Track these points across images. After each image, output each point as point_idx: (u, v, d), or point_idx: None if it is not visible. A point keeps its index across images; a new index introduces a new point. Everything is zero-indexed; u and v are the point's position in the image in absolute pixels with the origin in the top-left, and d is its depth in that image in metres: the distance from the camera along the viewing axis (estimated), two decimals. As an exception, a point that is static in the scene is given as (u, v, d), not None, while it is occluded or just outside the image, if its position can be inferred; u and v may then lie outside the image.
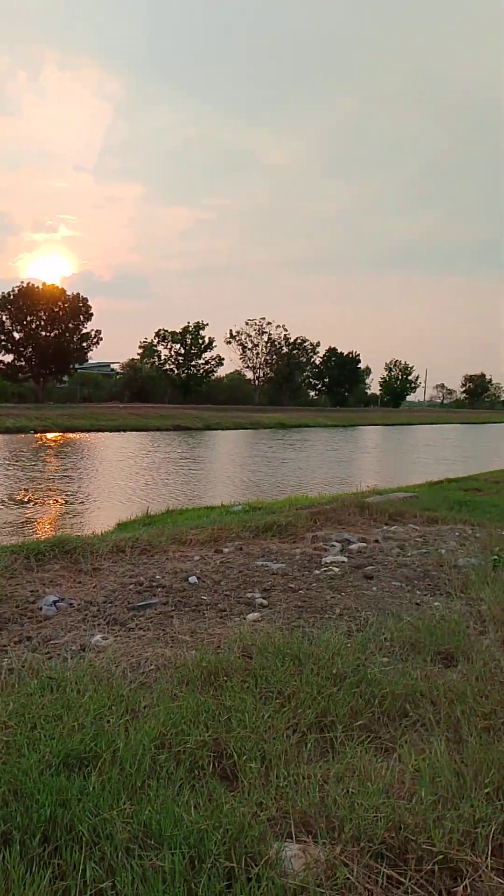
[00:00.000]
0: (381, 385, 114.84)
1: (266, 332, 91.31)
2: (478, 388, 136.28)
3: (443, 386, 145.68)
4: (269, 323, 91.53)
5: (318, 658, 3.73)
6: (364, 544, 7.22)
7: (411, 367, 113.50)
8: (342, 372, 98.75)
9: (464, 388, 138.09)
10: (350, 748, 2.86)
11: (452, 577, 5.85)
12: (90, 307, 61.59)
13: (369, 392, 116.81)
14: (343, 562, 6.33)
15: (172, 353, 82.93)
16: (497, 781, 2.55)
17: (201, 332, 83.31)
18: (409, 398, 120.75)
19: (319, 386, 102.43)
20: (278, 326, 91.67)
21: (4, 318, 58.09)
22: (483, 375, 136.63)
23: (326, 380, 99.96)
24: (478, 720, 3.09)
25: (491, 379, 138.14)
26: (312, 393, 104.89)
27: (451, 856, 2.17)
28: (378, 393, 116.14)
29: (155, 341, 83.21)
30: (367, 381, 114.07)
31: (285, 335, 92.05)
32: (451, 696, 3.34)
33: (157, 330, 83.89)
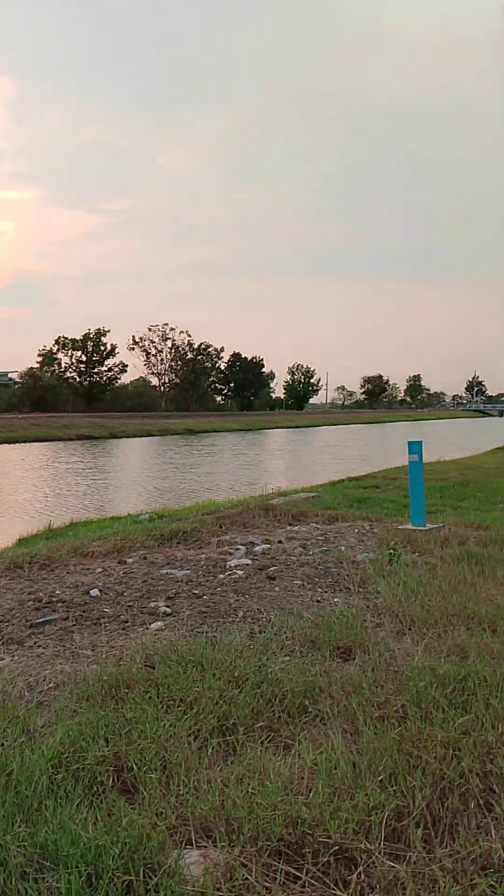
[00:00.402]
0: (285, 388, 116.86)
1: (170, 338, 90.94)
2: (376, 388, 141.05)
3: (343, 388, 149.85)
4: (172, 329, 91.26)
5: (220, 662, 3.75)
6: (268, 546, 7.32)
7: (313, 371, 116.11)
8: (247, 376, 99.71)
9: (363, 390, 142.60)
10: (251, 749, 2.89)
11: (351, 572, 6.02)
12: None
13: (274, 395, 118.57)
14: (247, 564, 6.39)
15: (73, 360, 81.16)
16: (390, 768, 2.65)
17: (103, 338, 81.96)
18: (312, 400, 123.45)
19: (225, 391, 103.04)
20: (182, 332, 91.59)
21: None
22: (380, 377, 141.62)
23: (232, 384, 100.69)
24: (373, 710, 3.19)
25: (388, 380, 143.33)
26: (219, 398, 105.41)
27: (346, 846, 2.23)
28: (283, 396, 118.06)
29: (55, 349, 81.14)
30: (272, 384, 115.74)
31: (189, 341, 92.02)
32: (348, 688, 3.44)
33: (56, 337, 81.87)
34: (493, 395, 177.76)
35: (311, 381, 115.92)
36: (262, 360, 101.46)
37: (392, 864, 2.16)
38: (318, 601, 5.24)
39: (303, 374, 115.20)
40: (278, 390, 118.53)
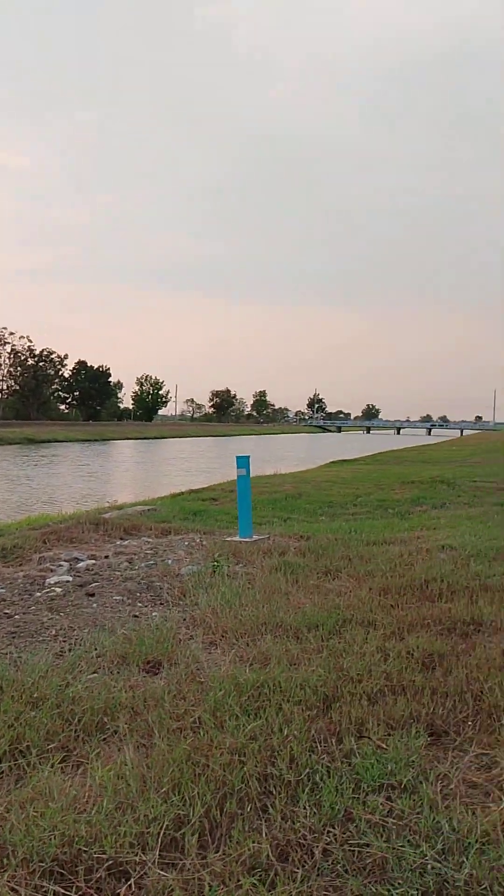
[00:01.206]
0: (133, 399, 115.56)
1: (8, 343, 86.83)
2: (224, 402, 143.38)
3: (192, 400, 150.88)
4: (11, 333, 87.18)
5: (21, 684, 3.64)
6: (93, 561, 7.20)
7: (162, 382, 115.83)
8: (93, 386, 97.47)
9: (211, 403, 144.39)
10: (41, 771, 2.83)
11: (174, 586, 6.08)
12: None
13: (122, 406, 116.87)
14: (68, 581, 6.25)
15: None
16: (176, 778, 2.71)
17: None
18: (161, 412, 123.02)
19: (70, 399, 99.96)
20: (22, 337, 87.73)
21: None
22: (228, 391, 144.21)
23: (77, 393, 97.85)
24: (171, 722, 3.25)
25: (235, 394, 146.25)
26: (63, 407, 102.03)
27: (120, 859, 2.26)
28: (131, 407, 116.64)
29: None
30: (120, 395, 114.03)
31: (30, 346, 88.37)
32: (150, 702, 3.47)
33: None
34: (333, 411, 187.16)
35: (160, 392, 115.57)
36: (108, 369, 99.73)
37: (164, 873, 2.22)
38: (136, 616, 5.23)
39: (151, 385, 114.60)
40: (126, 401, 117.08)
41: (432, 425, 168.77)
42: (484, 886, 2.10)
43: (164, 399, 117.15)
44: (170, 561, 7.21)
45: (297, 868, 2.25)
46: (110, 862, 2.24)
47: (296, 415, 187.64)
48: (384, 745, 2.94)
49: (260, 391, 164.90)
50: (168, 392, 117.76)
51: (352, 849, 2.31)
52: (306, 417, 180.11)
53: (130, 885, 2.17)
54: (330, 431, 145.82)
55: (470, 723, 3.20)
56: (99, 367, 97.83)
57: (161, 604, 5.62)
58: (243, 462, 8.69)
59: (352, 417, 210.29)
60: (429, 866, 2.18)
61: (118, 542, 8.56)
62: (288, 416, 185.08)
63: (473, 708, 3.33)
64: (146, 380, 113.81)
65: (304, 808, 2.52)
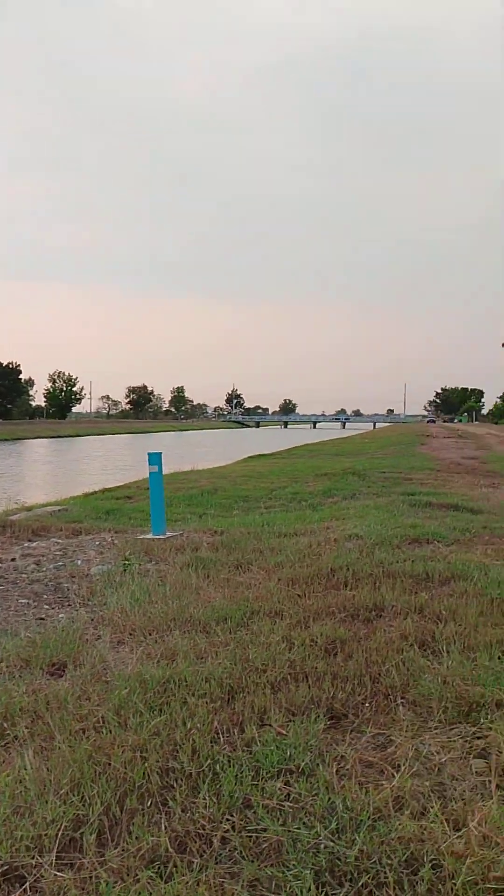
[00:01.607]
0: (46, 397, 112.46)
1: None
2: (141, 398, 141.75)
3: (108, 397, 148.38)
4: None
5: None
6: (-1, 564, 6.98)
7: (76, 379, 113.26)
8: (2, 383, 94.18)
9: (128, 399, 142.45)
10: None
11: (83, 586, 5.99)
12: None
13: (34, 404, 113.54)
14: (-29, 585, 6.03)
15: None
16: (76, 778, 2.68)
17: None
18: (75, 410, 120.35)
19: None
20: None
21: None
22: (145, 387, 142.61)
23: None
24: (74, 723, 3.21)
25: (152, 390, 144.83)
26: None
27: (15, 864, 2.22)
28: (44, 405, 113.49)
29: None
30: (32, 392, 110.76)
31: None
32: (53, 705, 3.41)
33: None
34: (251, 407, 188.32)
35: (74, 389, 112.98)
36: (19, 366, 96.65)
37: (60, 874, 2.20)
38: (42, 618, 5.12)
39: (65, 382, 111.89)
40: (39, 399, 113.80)
41: (347, 419, 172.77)
42: (373, 861, 2.19)
43: (78, 396, 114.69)
44: (79, 561, 7.09)
45: (196, 858, 2.28)
46: (5, 867, 2.20)
47: (214, 410, 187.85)
48: (284, 732, 3.01)
49: (178, 387, 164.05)
50: (82, 389, 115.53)
51: (249, 835, 2.36)
52: (225, 413, 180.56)
53: (26, 889, 2.14)
54: (248, 427, 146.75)
55: (368, 704, 3.32)
56: (8, 363, 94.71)
57: (69, 605, 5.52)
58: (155, 459, 8.64)
59: (270, 412, 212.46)
60: (322, 846, 2.26)
61: (26, 545, 8.33)
62: (207, 412, 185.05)
63: (371, 690, 3.46)
64: (59, 376, 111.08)
65: (204, 799, 2.55)
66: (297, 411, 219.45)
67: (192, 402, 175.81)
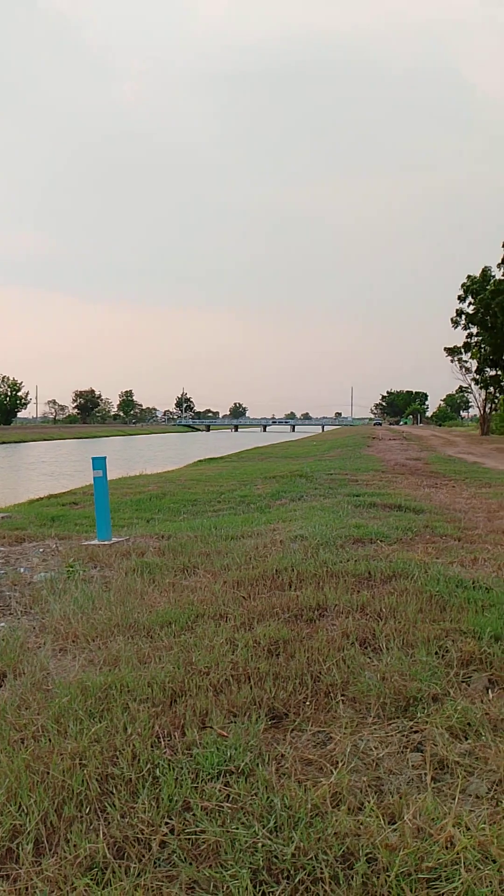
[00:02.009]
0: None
1: None
2: (88, 403, 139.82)
3: (55, 402, 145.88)
4: None
5: None
6: None
7: (20, 384, 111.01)
8: None
9: (75, 404, 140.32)
10: None
11: (25, 594, 5.88)
12: None
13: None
14: None
15: None
16: (13, 788, 2.63)
17: None
18: (20, 415, 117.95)
19: None
20: None
21: None
22: (93, 391, 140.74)
23: None
24: (13, 734, 3.15)
25: (100, 394, 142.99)
26: None
27: None
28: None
29: None
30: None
31: None
32: (-10, 716, 3.34)
33: None
34: (201, 410, 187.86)
35: (19, 394, 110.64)
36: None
37: (-6, 889, 2.16)
38: (-18, 628, 5.01)
39: (9, 386, 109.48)
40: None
41: (296, 422, 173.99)
42: (310, 857, 2.22)
43: (23, 401, 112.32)
44: (22, 569, 6.95)
45: (134, 863, 2.27)
46: None
47: (164, 414, 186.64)
48: (225, 734, 3.01)
49: (126, 391, 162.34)
50: (28, 394, 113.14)
51: (188, 837, 2.36)
52: (175, 417, 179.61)
53: (-43, 905, 2.09)
54: (199, 430, 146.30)
55: (308, 703, 3.36)
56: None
57: (10, 613, 5.41)
58: (100, 463, 8.54)
59: (220, 416, 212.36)
60: (260, 844, 2.27)
61: (-33, 553, 8.12)
62: (156, 416, 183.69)
63: (312, 689, 3.50)
64: (3, 381, 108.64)
65: (144, 804, 2.54)
66: (247, 415, 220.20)
67: (141, 406, 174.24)
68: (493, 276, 43.38)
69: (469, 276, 45.35)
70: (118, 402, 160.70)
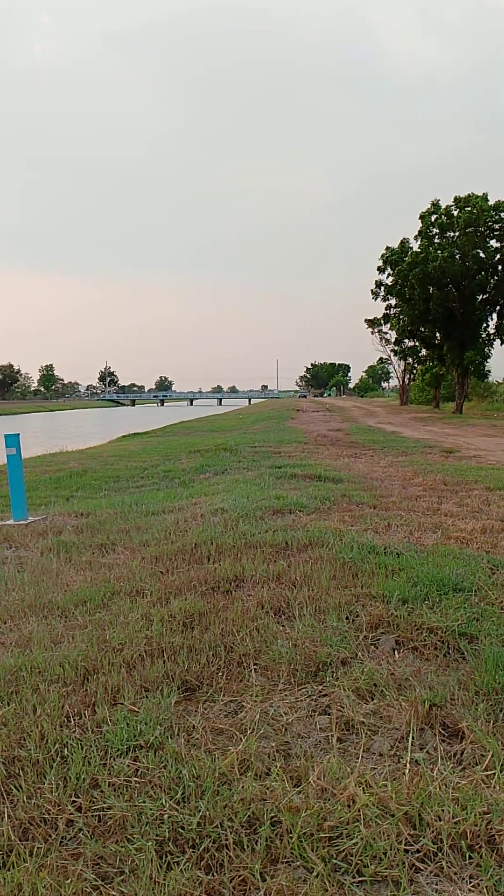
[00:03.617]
0: None
1: None
2: (7, 378, 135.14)
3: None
4: None
5: None
6: None
7: None
8: None
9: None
10: None
11: None
12: None
13: None
14: None
15: None
16: None
17: None
18: None
19: None
20: None
21: None
22: (11, 366, 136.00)
23: None
24: None
25: (19, 369, 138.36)
26: None
27: None
28: None
29: None
30: None
31: None
32: None
33: None
34: (126, 384, 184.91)
35: None
36: None
37: None
38: None
39: None
40: None
41: (223, 396, 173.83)
42: (215, 825, 2.25)
43: None
44: None
45: (41, 843, 2.24)
46: None
47: (87, 389, 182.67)
48: (136, 709, 3.01)
49: (47, 365, 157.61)
50: None
51: (94, 814, 2.35)
52: (98, 392, 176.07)
53: None
54: (124, 405, 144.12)
55: (221, 674, 3.39)
56: None
57: None
58: (13, 441, 8.28)
59: (146, 390, 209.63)
60: (166, 816, 2.29)
61: None
62: (79, 391, 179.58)
63: (225, 660, 3.53)
64: None
65: (51, 784, 2.51)
66: (173, 388, 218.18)
67: (62, 380, 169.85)
68: (411, 248, 44.18)
69: (388, 248, 45.98)
70: (38, 377, 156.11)
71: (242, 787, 2.41)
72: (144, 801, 2.37)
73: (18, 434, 8.44)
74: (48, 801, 2.42)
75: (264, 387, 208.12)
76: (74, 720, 2.97)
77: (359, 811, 2.28)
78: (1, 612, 4.58)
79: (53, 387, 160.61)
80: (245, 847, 2.16)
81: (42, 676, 3.42)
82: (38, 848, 2.21)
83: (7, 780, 2.57)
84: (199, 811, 2.30)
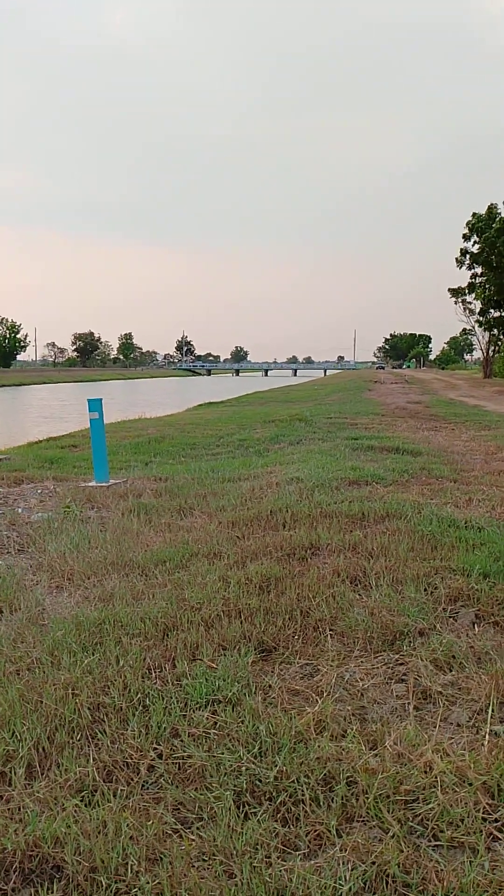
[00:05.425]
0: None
1: None
2: (88, 346, 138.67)
3: (54, 345, 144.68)
4: None
5: None
6: None
7: (19, 325, 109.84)
8: None
9: (74, 347, 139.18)
10: None
11: (22, 533, 5.94)
12: None
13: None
14: None
15: None
16: (7, 716, 2.71)
17: None
18: (20, 358, 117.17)
19: None
20: None
21: None
22: (92, 334, 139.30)
23: None
24: (8, 665, 3.22)
25: (100, 337, 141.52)
26: None
27: None
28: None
29: None
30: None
31: None
32: (-14, 650, 3.42)
33: None
34: (202, 354, 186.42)
35: (18, 336, 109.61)
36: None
37: (-13, 807, 2.24)
38: (-21, 566, 5.08)
39: (7, 329, 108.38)
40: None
41: (298, 366, 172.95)
42: (292, 780, 2.30)
43: (22, 343, 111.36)
44: (20, 509, 7.01)
45: (123, 786, 2.35)
46: None
47: (164, 358, 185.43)
48: (214, 665, 3.09)
49: (126, 333, 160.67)
50: (27, 336, 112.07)
51: (175, 762, 2.44)
52: (175, 361, 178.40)
53: (-49, 823, 2.17)
54: (199, 374, 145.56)
55: (297, 637, 3.42)
56: None
57: (7, 553, 5.48)
58: (96, 405, 8.52)
59: (221, 360, 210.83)
60: (244, 768, 2.35)
61: (-34, 494, 8.18)
62: (156, 360, 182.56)
63: (302, 624, 3.56)
64: (1, 323, 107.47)
65: (133, 731, 2.61)
66: (248, 359, 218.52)
67: (140, 349, 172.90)
68: (500, 214, 42.33)
69: (474, 214, 44.25)
70: (118, 346, 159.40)
71: (319, 747, 2.45)
72: (223, 753, 2.44)
73: (101, 399, 8.67)
74: (131, 746, 2.53)
75: (340, 358, 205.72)
76: (155, 672, 3.07)
77: (436, 777, 2.28)
78: (85, 567, 4.76)
79: (132, 355, 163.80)
80: (321, 803, 2.20)
81: (124, 630, 3.54)
82: (121, 790, 2.32)
83: (92, 725, 2.70)
84: (276, 766, 2.34)
